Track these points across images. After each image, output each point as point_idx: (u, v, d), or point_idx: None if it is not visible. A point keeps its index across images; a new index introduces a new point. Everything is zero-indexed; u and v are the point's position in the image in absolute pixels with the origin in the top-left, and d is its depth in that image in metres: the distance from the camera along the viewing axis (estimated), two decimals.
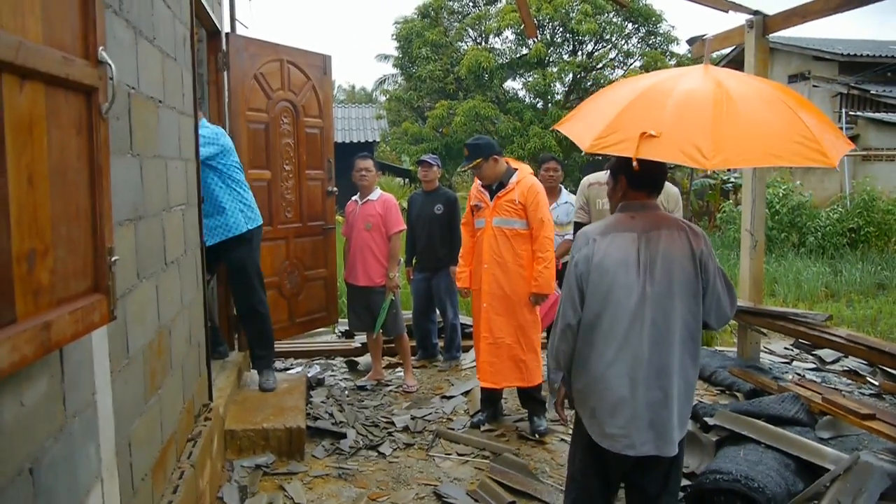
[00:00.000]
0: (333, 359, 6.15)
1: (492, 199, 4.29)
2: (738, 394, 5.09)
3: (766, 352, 6.38)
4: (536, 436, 4.34)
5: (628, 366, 2.37)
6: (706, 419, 4.03)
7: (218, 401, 3.80)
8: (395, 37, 21.15)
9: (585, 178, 5.07)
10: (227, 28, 5.09)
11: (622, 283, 2.37)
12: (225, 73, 4.82)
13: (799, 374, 5.56)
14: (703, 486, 3.34)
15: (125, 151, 2.28)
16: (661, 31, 20.25)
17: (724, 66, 18.30)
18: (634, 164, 2.22)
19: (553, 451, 4.18)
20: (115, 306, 1.66)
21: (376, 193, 5.29)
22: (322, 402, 4.89)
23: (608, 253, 2.40)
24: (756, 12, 5.68)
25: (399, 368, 5.87)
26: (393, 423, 4.59)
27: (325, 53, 5.58)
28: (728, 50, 18.01)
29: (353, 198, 5.40)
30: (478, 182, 4.42)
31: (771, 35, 5.79)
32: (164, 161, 2.86)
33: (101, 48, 1.60)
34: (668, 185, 4.44)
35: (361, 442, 4.28)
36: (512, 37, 20.24)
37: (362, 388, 5.36)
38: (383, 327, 5.32)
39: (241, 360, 4.83)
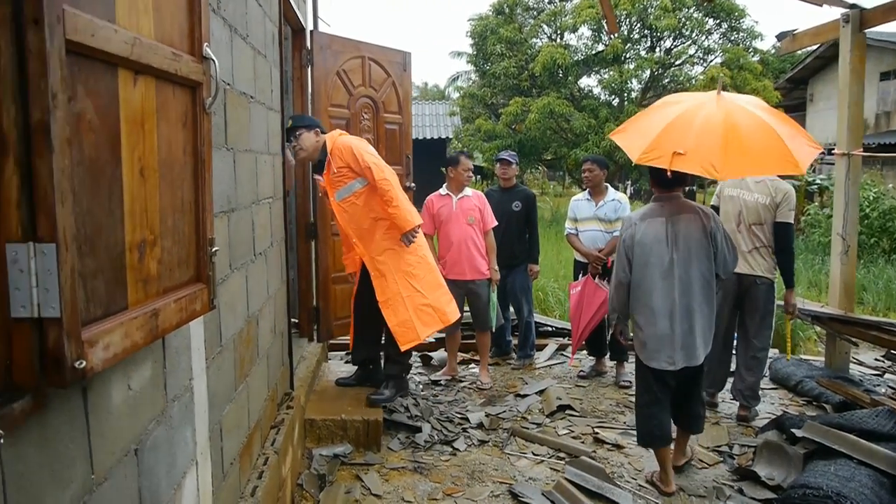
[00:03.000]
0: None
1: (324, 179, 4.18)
2: (826, 405, 4.86)
3: (854, 363, 6.07)
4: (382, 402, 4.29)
5: (667, 309, 3.45)
6: (793, 431, 3.86)
7: (299, 390, 3.88)
8: (469, 34, 21.14)
9: None
10: (310, 25, 5.18)
11: (657, 253, 3.46)
12: (309, 70, 4.92)
13: (893, 388, 5.27)
14: (791, 500, 3.21)
15: (220, 145, 2.35)
16: (743, 27, 19.55)
17: (812, 62, 17.51)
18: (669, 174, 3.28)
19: (631, 455, 4.09)
20: (215, 296, 1.71)
21: (469, 189, 5.32)
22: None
23: (646, 232, 3.49)
24: (853, 6, 5.39)
25: (472, 365, 5.87)
26: (467, 420, 4.59)
27: (405, 50, 5.63)
28: (815, 46, 17.24)
29: (441, 192, 5.38)
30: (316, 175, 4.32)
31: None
32: (254, 155, 2.94)
33: (205, 44, 1.65)
34: (779, 180, 4.41)
35: (436, 436, 4.30)
36: (588, 33, 19.94)
37: (436, 382, 5.39)
38: (477, 320, 5.36)
39: (319, 351, 4.93)
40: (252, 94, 2.92)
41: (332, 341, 5.45)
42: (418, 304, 4.15)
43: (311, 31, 4.96)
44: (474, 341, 5.70)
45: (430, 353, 6.12)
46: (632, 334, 3.73)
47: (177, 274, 1.55)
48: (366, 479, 3.67)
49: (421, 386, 5.29)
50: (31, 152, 1.05)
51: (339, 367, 5.32)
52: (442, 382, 5.40)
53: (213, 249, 1.69)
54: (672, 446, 3.74)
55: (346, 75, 5.09)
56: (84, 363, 1.11)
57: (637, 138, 3.47)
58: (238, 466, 2.57)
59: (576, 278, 5.56)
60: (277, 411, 3.45)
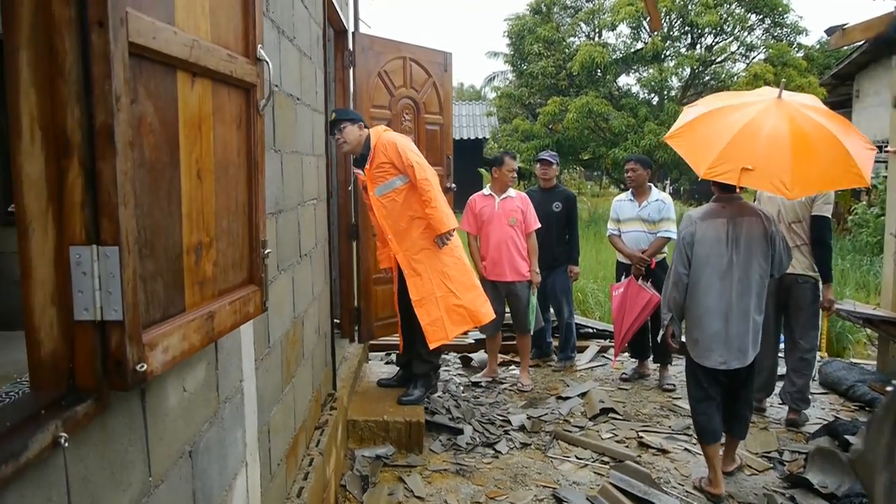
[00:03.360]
0: (447, 354, 6.18)
1: (364, 173, 4.17)
2: None
3: None
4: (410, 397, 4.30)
5: (722, 310, 3.48)
6: (847, 437, 3.74)
7: (341, 391, 3.89)
8: (506, 34, 21.05)
9: None
10: (351, 27, 5.19)
11: (716, 253, 3.48)
12: (351, 71, 4.93)
13: None
14: None
15: (269, 147, 2.36)
16: (787, 22, 19.10)
17: (858, 57, 17.03)
18: (738, 189, 3.47)
19: (677, 460, 4.01)
20: (267, 298, 1.70)
21: (512, 191, 5.27)
22: (438, 396, 4.91)
23: (706, 232, 3.51)
24: None
25: (512, 366, 5.82)
26: (509, 422, 4.55)
27: (446, 51, 5.61)
28: (860, 42, 16.73)
29: (484, 192, 5.35)
30: (354, 167, 4.31)
31: None
32: (300, 157, 2.95)
33: (259, 46, 1.64)
34: None
35: (478, 439, 4.26)
36: (627, 31, 19.70)
37: (477, 384, 5.35)
38: (517, 322, 5.32)
39: (360, 352, 4.94)
40: (298, 95, 2.93)
41: (372, 342, 5.45)
42: (451, 305, 4.15)
43: (353, 33, 4.97)
44: (515, 343, 5.65)
45: (469, 355, 6.09)
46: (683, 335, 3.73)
47: (231, 276, 1.55)
48: (408, 481, 3.66)
49: (461, 387, 5.26)
50: (94, 155, 1.06)
51: (380, 367, 5.32)
52: (482, 384, 5.36)
53: (266, 251, 1.69)
54: (721, 450, 3.70)
55: (388, 76, 5.09)
56: (145, 366, 1.11)
57: (700, 149, 3.38)
58: (284, 467, 2.57)
59: (618, 280, 5.48)
60: (321, 412, 3.46)
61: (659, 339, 3.86)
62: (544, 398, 5.09)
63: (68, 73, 1.04)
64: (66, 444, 0.98)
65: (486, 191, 5.32)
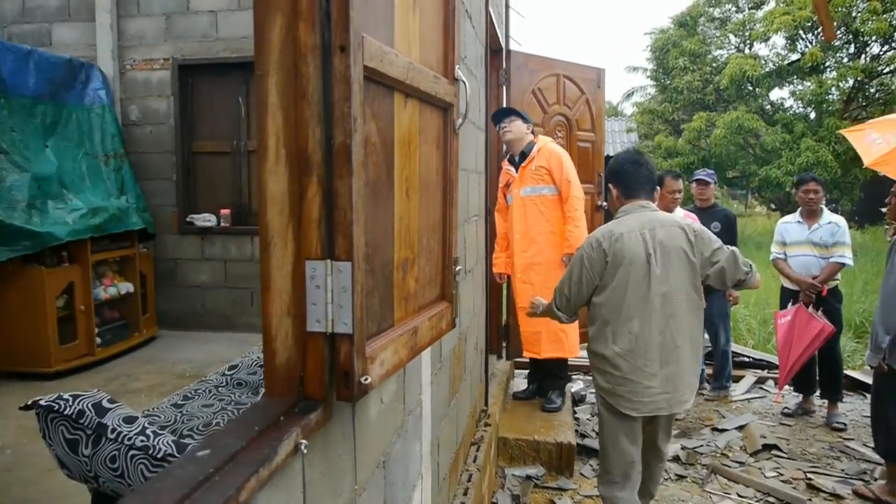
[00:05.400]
0: (591, 375, 6.02)
1: (517, 171, 4.28)
2: None
3: None
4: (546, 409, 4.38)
5: None
6: None
7: (493, 407, 3.88)
8: (648, 48, 20.53)
9: None
10: (504, 45, 5.23)
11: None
12: (505, 89, 4.96)
13: None
14: None
15: None
16: None
17: None
18: None
19: None
20: (457, 314, 1.72)
21: (680, 211, 5.06)
22: (587, 419, 4.80)
23: None
24: None
25: None
26: None
27: (599, 67, 5.53)
28: None
29: None
30: (505, 163, 4.45)
31: None
32: (467, 174, 2.98)
33: (457, 67, 1.67)
34: None
35: None
36: (781, 42, 18.64)
37: None
38: None
39: (508, 369, 4.92)
40: (466, 113, 2.96)
41: (518, 359, 5.42)
42: (554, 327, 4.15)
43: (509, 51, 5.01)
44: None
45: None
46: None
47: (427, 292, 1.57)
48: None
49: None
50: (331, 174, 1.10)
51: (526, 384, 5.26)
52: None
53: (457, 268, 1.70)
54: None
55: (541, 93, 5.08)
56: (369, 378, 1.14)
57: None
58: (448, 481, 2.59)
59: (783, 307, 5.12)
60: (476, 428, 3.47)
61: (869, 365, 3.69)
62: (697, 428, 4.84)
63: (311, 95, 1.10)
64: (305, 451, 1.02)
65: None
